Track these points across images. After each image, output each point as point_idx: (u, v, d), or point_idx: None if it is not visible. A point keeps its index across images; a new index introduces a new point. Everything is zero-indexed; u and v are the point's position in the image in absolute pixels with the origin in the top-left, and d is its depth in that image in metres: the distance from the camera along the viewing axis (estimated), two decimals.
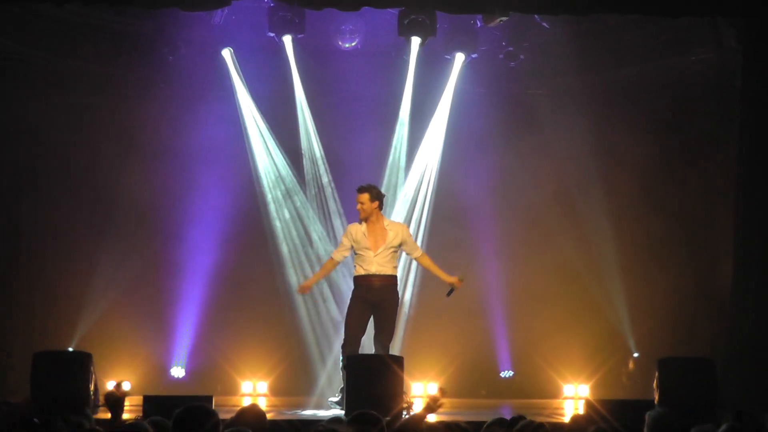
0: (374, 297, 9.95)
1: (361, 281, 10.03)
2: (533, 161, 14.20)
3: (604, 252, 13.89)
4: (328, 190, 13.92)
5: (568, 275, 14.03)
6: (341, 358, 9.98)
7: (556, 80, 14.30)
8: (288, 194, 13.95)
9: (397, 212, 13.91)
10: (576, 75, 14.07)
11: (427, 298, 13.90)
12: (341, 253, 10.23)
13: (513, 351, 14.19)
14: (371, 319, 10.32)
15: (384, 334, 10.08)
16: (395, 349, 13.01)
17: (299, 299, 13.73)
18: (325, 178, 13.92)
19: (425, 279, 13.83)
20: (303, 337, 13.93)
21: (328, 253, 13.28)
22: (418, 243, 13.84)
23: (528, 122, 14.28)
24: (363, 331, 10.08)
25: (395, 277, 10.17)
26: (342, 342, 10.05)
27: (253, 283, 13.98)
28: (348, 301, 10.62)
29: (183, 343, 13.81)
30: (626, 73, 14.07)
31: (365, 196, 10.14)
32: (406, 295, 13.80)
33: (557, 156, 14.17)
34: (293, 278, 13.81)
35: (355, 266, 10.13)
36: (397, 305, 10.20)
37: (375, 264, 9.96)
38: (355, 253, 10.07)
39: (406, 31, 12.95)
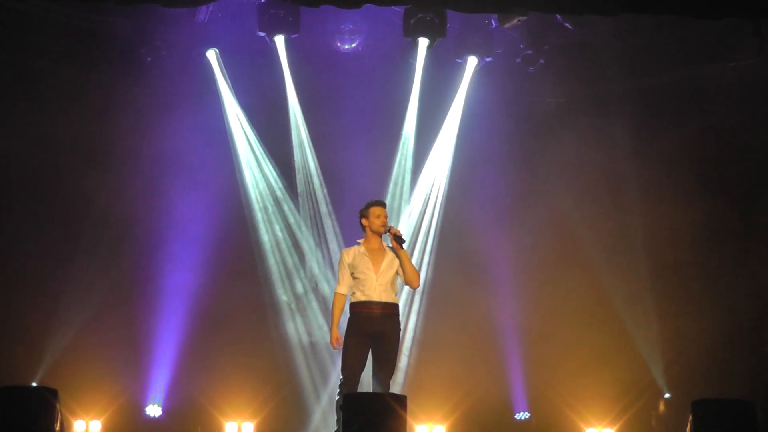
0: (374, 328, 9.84)
1: (359, 309, 9.90)
2: (554, 178, 14.25)
3: (634, 280, 13.91)
4: (324, 209, 13.93)
5: (592, 306, 14.01)
6: (337, 399, 9.94)
7: (580, 88, 14.37)
8: (278, 213, 13.96)
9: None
10: (602, 82, 14.18)
11: (432, 330, 13.91)
12: (346, 285, 10.12)
13: (529, 390, 14.15)
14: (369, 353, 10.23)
15: (384, 371, 9.93)
16: (397, 387, 13.08)
17: (290, 329, 13.77)
18: (321, 195, 13.95)
19: (431, 309, 13.90)
20: (294, 373, 13.90)
21: (323, 279, 13.16)
22: (423, 269, 13.87)
23: (548, 134, 14.32)
24: (362, 368, 9.95)
25: (397, 306, 10.04)
26: (339, 382, 9.94)
27: (239, 312, 13.90)
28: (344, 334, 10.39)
29: (160, 378, 13.71)
30: (658, 80, 14.12)
31: (385, 211, 10.17)
32: (410, 326, 13.79)
33: (581, 172, 14.21)
34: (283, 306, 13.85)
35: (353, 292, 10.09)
36: (399, 337, 10.07)
37: (377, 289, 9.92)
38: (354, 278, 10.08)
39: (412, 31, 12.97)
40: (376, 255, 10.02)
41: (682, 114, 14.03)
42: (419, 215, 14.17)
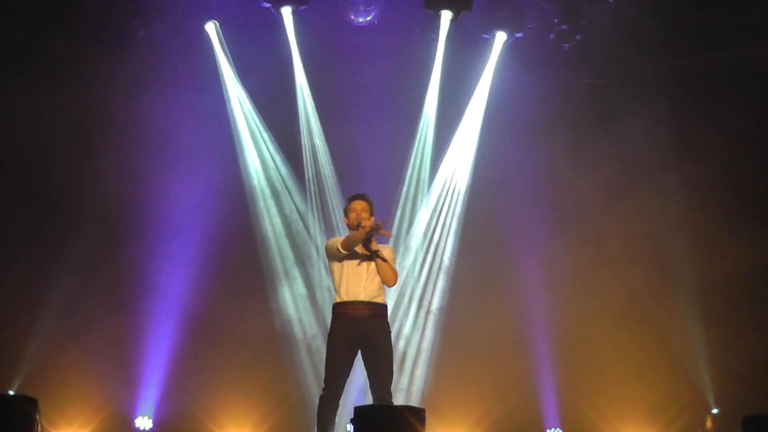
0: (360, 331, 9.74)
1: (344, 309, 9.80)
2: (591, 167, 14.09)
3: (679, 282, 13.77)
4: (333, 199, 13.82)
5: (631, 311, 13.87)
6: (318, 413, 9.73)
7: (620, 67, 14.24)
8: (283, 201, 13.88)
9: (418, 230, 13.85)
10: (644, 61, 14.06)
11: (453, 336, 13.77)
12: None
13: (561, 403, 13.98)
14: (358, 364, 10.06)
15: (381, 380, 9.77)
16: (415, 399, 13.13)
17: (294, 333, 13.68)
18: (330, 183, 13.84)
19: (452, 313, 13.78)
20: (300, 381, 13.75)
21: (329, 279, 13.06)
22: (444, 273, 13.91)
23: (584, 118, 14.24)
24: (347, 376, 9.87)
25: (386, 306, 9.96)
26: (321, 393, 9.76)
27: (238, 314, 13.83)
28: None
29: (150, 386, 13.64)
30: (707, 59, 13.98)
31: (368, 206, 10.07)
32: (427, 331, 13.73)
33: (621, 161, 14.08)
34: (288, 308, 13.75)
35: (337, 291, 9.91)
36: (391, 340, 9.91)
37: (366, 289, 9.82)
38: (339, 276, 9.86)
39: (434, 3, 12.96)
40: (364, 253, 9.90)
41: (738, 92, 13.90)
42: (440, 209, 14.07)
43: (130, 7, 13.25)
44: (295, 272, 13.82)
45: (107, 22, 13.36)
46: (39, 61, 13.56)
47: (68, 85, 13.63)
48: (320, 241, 13.65)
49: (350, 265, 9.89)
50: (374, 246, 9.80)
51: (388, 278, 9.90)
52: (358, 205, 9.94)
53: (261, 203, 13.88)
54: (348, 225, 9.99)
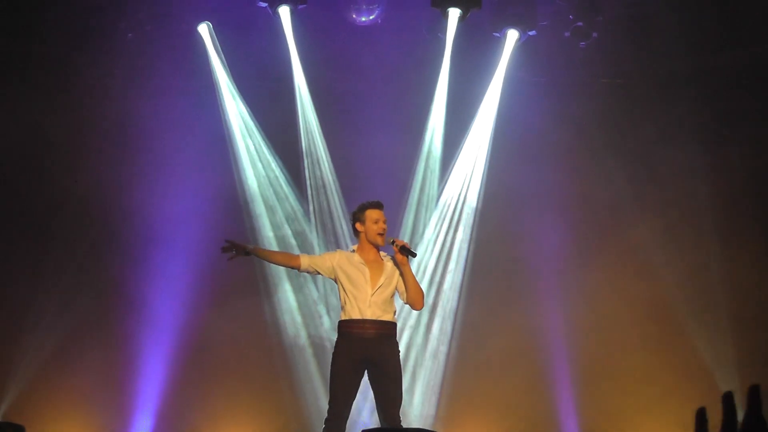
0: (368, 351, 9.54)
1: (350, 328, 9.58)
2: (610, 173, 13.90)
3: (711, 294, 13.54)
4: (336, 210, 13.66)
5: (659, 325, 13.64)
6: None
7: (641, 66, 14.05)
8: (281, 212, 13.74)
9: (427, 242, 13.68)
10: (668, 59, 13.85)
11: (469, 351, 13.60)
12: (308, 261, 9.82)
13: (583, 425, 13.72)
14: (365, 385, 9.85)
15: (390, 401, 9.57)
16: (428, 419, 13.06)
17: (294, 351, 13.53)
18: (332, 192, 13.68)
19: (465, 328, 13.59)
20: (302, 404, 13.59)
21: (334, 291, 12.97)
22: (457, 282, 13.62)
23: (603, 122, 14.05)
24: (353, 399, 9.66)
25: (395, 325, 9.73)
26: (325, 417, 9.56)
27: (239, 333, 13.62)
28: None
29: (145, 412, 13.46)
30: (736, 56, 13.74)
31: (384, 215, 9.86)
32: (442, 347, 13.57)
33: (644, 166, 13.89)
34: (287, 325, 13.58)
35: (342, 308, 9.73)
36: (399, 361, 9.73)
37: (372, 306, 9.58)
38: (344, 292, 9.71)
39: (441, 0, 12.90)
40: (372, 267, 9.72)
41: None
42: (450, 218, 13.90)
43: (117, 9, 13.15)
44: (296, 285, 13.66)
45: (93, 25, 13.24)
46: (20, 66, 13.46)
47: (52, 90, 13.53)
48: (322, 251, 13.38)
49: (353, 280, 9.68)
50: (404, 262, 9.59)
51: (416, 300, 9.73)
52: (380, 215, 9.79)
53: (258, 212, 13.71)
54: (363, 233, 9.78)
